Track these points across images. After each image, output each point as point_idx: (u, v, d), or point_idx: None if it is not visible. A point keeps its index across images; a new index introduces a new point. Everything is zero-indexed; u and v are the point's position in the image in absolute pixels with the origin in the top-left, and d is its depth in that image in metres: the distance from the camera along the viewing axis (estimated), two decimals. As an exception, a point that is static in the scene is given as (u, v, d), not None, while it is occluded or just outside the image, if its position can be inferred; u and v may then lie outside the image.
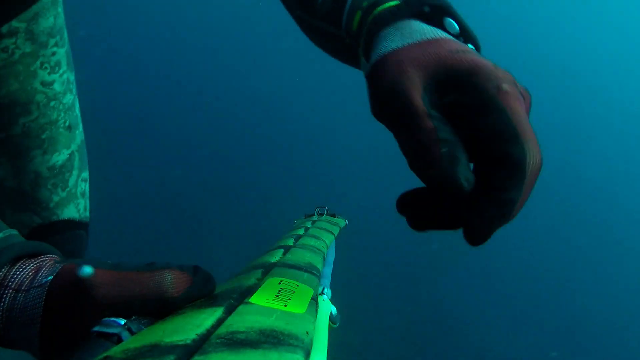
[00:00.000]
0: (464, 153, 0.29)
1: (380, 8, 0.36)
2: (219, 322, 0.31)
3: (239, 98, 4.72)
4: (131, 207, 3.63)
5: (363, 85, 0.37)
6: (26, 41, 0.76)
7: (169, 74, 4.61)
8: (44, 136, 0.78)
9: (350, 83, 4.13)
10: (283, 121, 4.53)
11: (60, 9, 0.84)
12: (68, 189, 0.84)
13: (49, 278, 0.30)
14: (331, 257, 0.80)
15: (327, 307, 0.50)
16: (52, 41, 0.79)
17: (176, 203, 3.96)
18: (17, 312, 0.29)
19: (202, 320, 0.31)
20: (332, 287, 0.62)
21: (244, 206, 4.01)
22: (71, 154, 0.83)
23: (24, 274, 0.30)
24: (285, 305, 0.34)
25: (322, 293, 0.53)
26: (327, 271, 0.70)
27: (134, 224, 3.53)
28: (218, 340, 0.28)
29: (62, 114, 0.82)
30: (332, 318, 0.53)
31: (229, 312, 0.33)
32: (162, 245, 3.47)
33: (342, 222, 1.10)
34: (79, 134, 0.89)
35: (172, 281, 0.31)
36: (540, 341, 3.62)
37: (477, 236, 0.30)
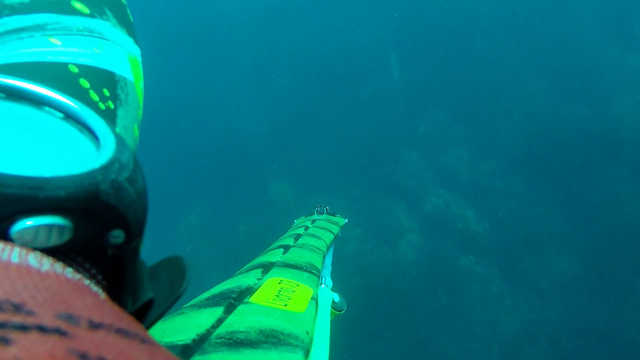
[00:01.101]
0: None
1: None
2: (219, 321, 0.31)
3: (236, 97, 4.72)
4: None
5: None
6: None
7: (159, 71, 4.61)
8: None
9: (349, 84, 4.13)
10: (282, 120, 4.54)
11: None
12: None
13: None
14: (331, 248, 0.79)
15: (327, 297, 0.50)
16: None
17: (176, 202, 3.96)
18: None
19: (202, 320, 0.31)
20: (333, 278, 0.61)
21: (243, 204, 4.01)
22: None
23: None
24: (286, 305, 0.34)
25: (322, 284, 0.51)
26: (327, 261, 0.70)
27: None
28: (218, 340, 0.28)
29: None
30: (335, 306, 0.53)
31: (229, 311, 0.33)
32: (161, 243, 3.47)
33: (342, 221, 1.10)
34: None
35: None
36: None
37: None
